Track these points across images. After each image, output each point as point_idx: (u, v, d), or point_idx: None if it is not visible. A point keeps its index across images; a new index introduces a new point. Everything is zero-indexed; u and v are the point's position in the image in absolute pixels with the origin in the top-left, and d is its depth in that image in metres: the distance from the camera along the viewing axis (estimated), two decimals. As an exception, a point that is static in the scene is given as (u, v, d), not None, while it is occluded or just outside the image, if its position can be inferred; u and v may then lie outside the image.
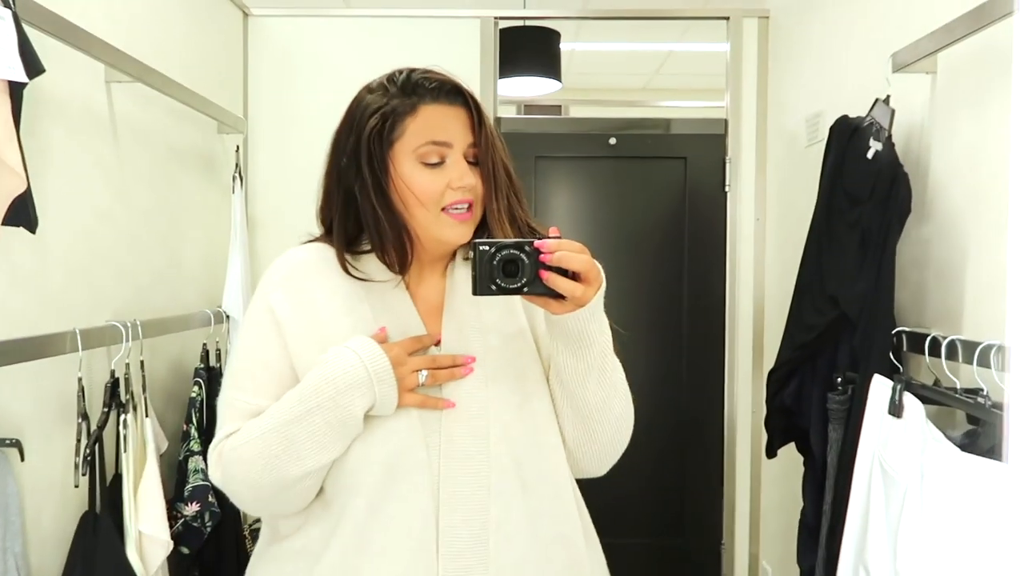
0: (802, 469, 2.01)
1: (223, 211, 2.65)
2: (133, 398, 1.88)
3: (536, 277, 0.98)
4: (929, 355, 1.57)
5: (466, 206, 1.09)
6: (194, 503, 2.11)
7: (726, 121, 2.95)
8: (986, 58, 1.56)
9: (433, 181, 1.07)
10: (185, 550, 2.11)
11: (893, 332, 1.69)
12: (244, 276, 2.54)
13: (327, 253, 1.15)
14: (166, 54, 2.23)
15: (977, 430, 1.44)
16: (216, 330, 2.41)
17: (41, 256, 1.68)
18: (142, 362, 1.97)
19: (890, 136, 1.72)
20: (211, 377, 2.28)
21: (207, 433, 2.18)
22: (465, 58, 2.89)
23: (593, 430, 1.12)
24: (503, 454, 1.08)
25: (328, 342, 1.07)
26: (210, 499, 2.10)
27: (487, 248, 0.98)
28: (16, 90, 1.38)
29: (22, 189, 1.39)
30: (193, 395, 2.23)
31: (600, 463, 1.17)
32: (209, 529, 2.13)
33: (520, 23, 3.27)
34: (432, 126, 1.07)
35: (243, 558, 2.20)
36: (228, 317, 2.48)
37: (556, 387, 1.12)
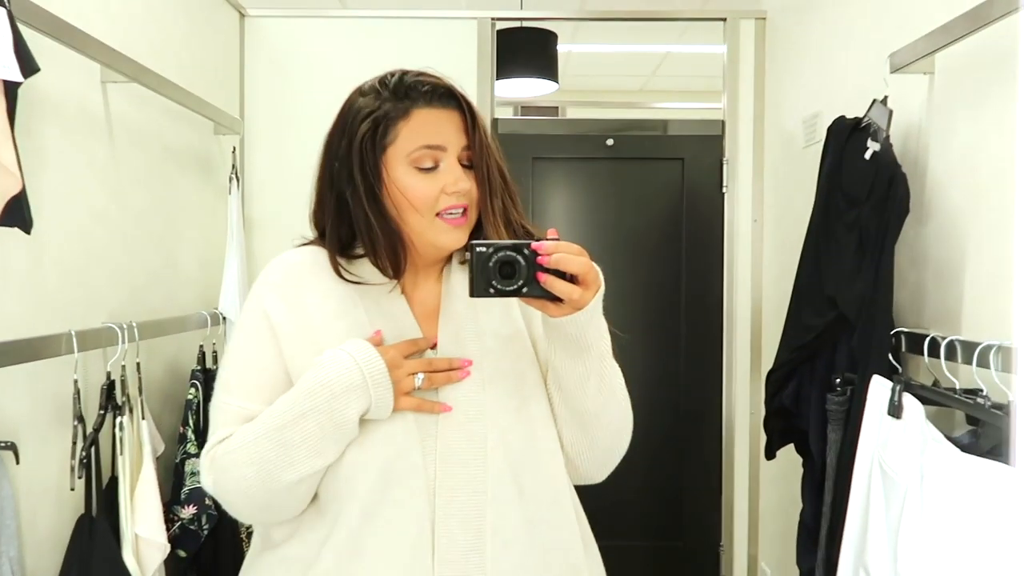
0: (800, 470, 2.01)
1: (219, 212, 2.64)
2: (129, 400, 1.87)
3: (534, 279, 0.97)
4: (928, 356, 1.56)
5: (461, 211, 1.08)
6: (191, 506, 2.10)
7: (723, 122, 2.95)
8: (984, 59, 1.56)
9: (427, 186, 1.06)
10: (182, 553, 2.10)
11: (892, 333, 1.68)
12: (241, 278, 2.53)
13: (321, 256, 1.13)
14: (162, 54, 2.23)
15: (977, 431, 1.44)
16: (213, 332, 2.40)
17: (36, 257, 1.67)
18: (138, 364, 1.96)
19: (888, 136, 1.72)
20: (208, 379, 2.27)
21: (204, 435, 2.17)
22: (462, 59, 2.89)
23: (592, 435, 1.11)
24: (500, 459, 1.06)
25: (323, 346, 1.06)
26: (207, 502, 2.09)
27: (484, 250, 0.97)
28: (11, 89, 1.37)
29: (17, 189, 1.38)
30: (190, 397, 2.22)
31: (599, 469, 1.15)
32: (206, 532, 2.12)
33: (517, 24, 3.26)
34: (425, 130, 1.06)
35: (240, 561, 2.18)
36: (225, 319, 2.47)
37: (554, 391, 1.10)
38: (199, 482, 2.05)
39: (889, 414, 1.48)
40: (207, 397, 2.21)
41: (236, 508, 1.10)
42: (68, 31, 1.65)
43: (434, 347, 1.11)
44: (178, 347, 2.36)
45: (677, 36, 4.76)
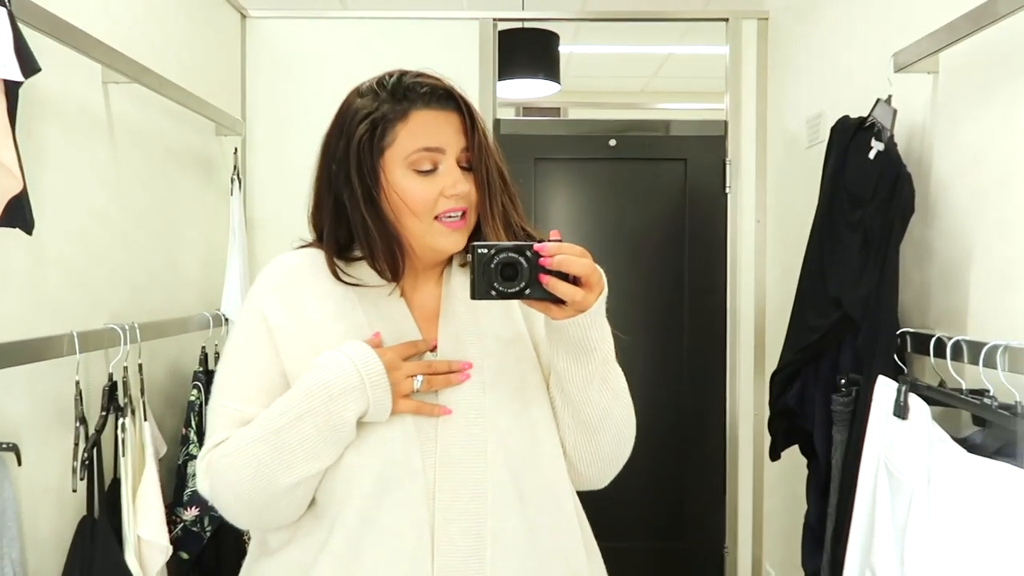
0: (804, 471, 2.00)
1: (221, 213, 2.64)
2: (131, 402, 1.87)
3: (536, 281, 0.95)
4: (934, 356, 1.55)
5: (459, 214, 1.07)
6: (193, 507, 2.09)
7: (726, 123, 2.95)
8: (989, 57, 1.55)
9: (426, 189, 1.04)
10: (184, 555, 2.09)
11: (897, 333, 1.68)
12: (243, 279, 2.52)
13: (320, 259, 1.12)
14: (163, 55, 2.22)
15: (983, 431, 1.43)
16: (215, 333, 2.39)
17: (37, 258, 1.67)
18: (140, 365, 1.96)
19: (892, 136, 1.72)
20: (210, 380, 2.26)
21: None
22: (464, 60, 2.89)
23: (595, 440, 1.09)
24: (500, 463, 1.05)
25: (320, 348, 1.04)
26: (209, 504, 2.08)
27: (486, 251, 0.96)
28: (12, 89, 1.36)
29: (18, 189, 1.37)
30: (192, 398, 2.21)
31: (601, 474, 1.14)
32: (209, 534, 2.12)
33: (519, 24, 3.26)
34: (424, 132, 1.05)
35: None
36: (227, 320, 2.47)
37: (556, 395, 1.09)
38: (201, 484, 2.07)
39: (895, 415, 1.48)
40: (209, 398, 2.21)
41: (233, 513, 1.08)
42: (69, 31, 1.65)
43: (434, 350, 1.10)
44: (180, 348, 2.35)
45: (679, 37, 4.76)
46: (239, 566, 1.18)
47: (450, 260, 1.15)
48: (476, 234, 1.10)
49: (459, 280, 1.13)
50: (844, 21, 2.26)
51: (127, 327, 1.85)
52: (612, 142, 2.98)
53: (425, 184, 1.05)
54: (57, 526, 1.72)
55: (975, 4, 1.45)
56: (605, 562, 1.20)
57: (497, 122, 2.95)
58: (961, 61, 1.64)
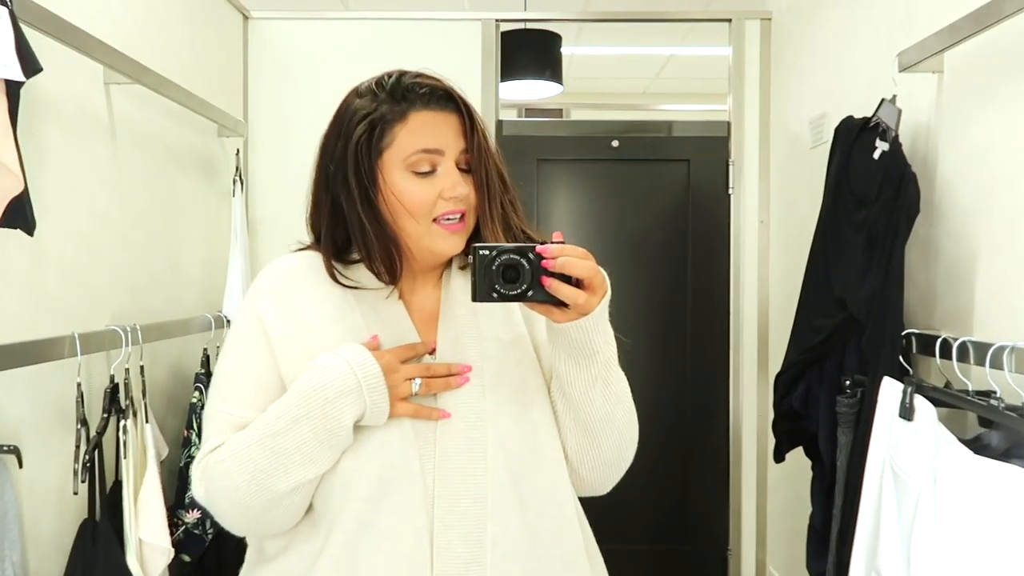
0: (808, 472, 1.99)
1: (223, 214, 2.63)
2: (133, 403, 1.86)
3: (538, 284, 0.94)
4: (940, 357, 1.55)
5: (458, 216, 1.05)
6: (195, 510, 2.08)
7: (729, 123, 2.94)
8: (994, 56, 1.55)
9: (424, 191, 1.03)
10: (186, 558, 2.09)
11: (902, 334, 1.67)
12: (245, 280, 2.52)
13: (317, 261, 1.10)
14: (165, 56, 2.22)
15: (990, 433, 1.42)
16: (217, 335, 2.38)
17: (37, 258, 1.66)
18: (142, 367, 1.95)
19: (897, 136, 1.71)
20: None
21: (207, 439, 2.16)
22: (466, 61, 2.88)
23: (597, 444, 1.08)
24: (501, 467, 1.03)
25: (317, 351, 1.03)
26: (210, 506, 2.08)
27: (487, 253, 0.94)
28: (13, 89, 1.36)
29: (19, 190, 1.37)
30: (194, 400, 2.21)
31: (604, 479, 1.12)
32: (211, 536, 2.11)
33: (521, 26, 3.25)
34: (423, 133, 1.03)
35: (244, 565, 2.17)
36: (228, 322, 2.46)
37: (558, 399, 1.07)
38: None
39: (900, 416, 1.47)
40: (209, 401, 2.20)
41: (229, 519, 1.06)
42: (71, 32, 1.64)
43: (433, 352, 1.08)
44: (182, 350, 2.35)
45: (681, 38, 4.75)
46: (241, 568, 1.17)
47: (449, 263, 1.14)
48: (475, 237, 1.08)
49: (459, 283, 1.12)
50: (847, 21, 2.25)
51: (128, 328, 1.84)
52: (615, 143, 2.98)
53: (423, 186, 1.03)
54: (58, 528, 1.71)
55: (980, 3, 1.45)
56: (607, 564, 1.18)
57: (500, 123, 2.94)
58: (966, 60, 1.63)
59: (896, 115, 1.72)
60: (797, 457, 2.10)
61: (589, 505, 1.16)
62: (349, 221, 1.06)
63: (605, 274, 0.99)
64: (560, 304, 0.95)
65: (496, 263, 0.94)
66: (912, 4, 1.88)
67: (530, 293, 0.94)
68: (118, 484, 1.78)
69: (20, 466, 1.52)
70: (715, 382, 2.97)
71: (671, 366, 2.98)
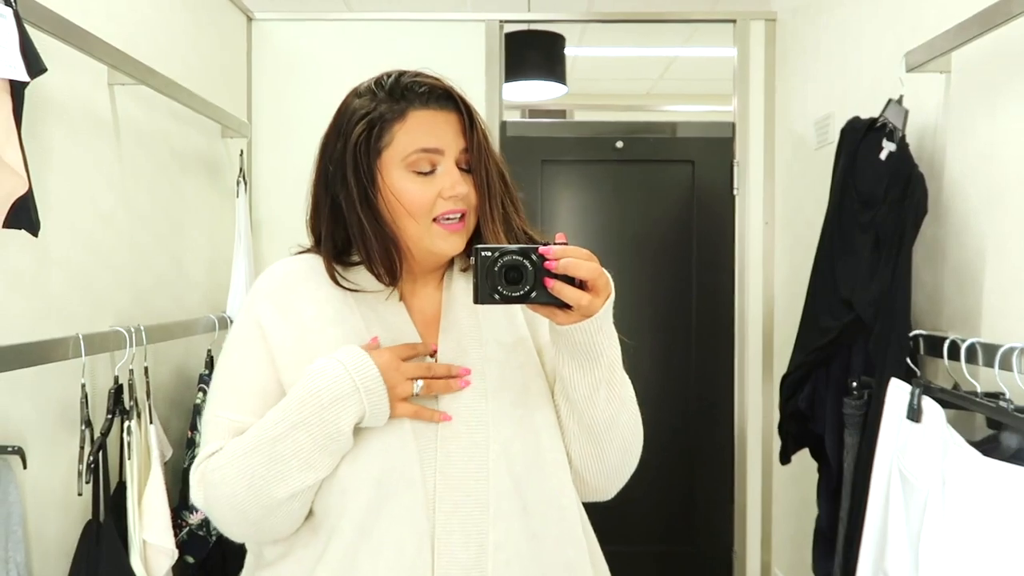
0: (814, 474, 1.98)
1: (227, 215, 2.63)
2: (137, 404, 1.86)
3: (541, 285, 0.92)
4: (948, 359, 1.54)
5: (458, 216, 1.04)
6: (199, 511, 2.08)
7: (734, 124, 2.94)
8: (1002, 56, 1.54)
9: (423, 191, 1.02)
10: (190, 559, 2.08)
11: (910, 335, 1.66)
12: (249, 281, 2.51)
13: (318, 263, 1.10)
14: (169, 57, 2.22)
15: (998, 434, 1.41)
16: (221, 336, 2.38)
17: (42, 259, 1.66)
18: (146, 368, 1.95)
19: (904, 136, 1.70)
20: (215, 383, 2.25)
21: (211, 440, 2.16)
22: (470, 62, 2.88)
23: (601, 448, 1.06)
24: (503, 472, 1.02)
25: (317, 354, 1.02)
26: (214, 507, 2.08)
27: (489, 254, 0.93)
28: (17, 89, 1.36)
29: (23, 190, 1.36)
30: (198, 401, 2.20)
31: (608, 484, 1.11)
32: (214, 538, 2.11)
33: (525, 26, 3.25)
34: (422, 133, 1.03)
35: (248, 567, 2.17)
36: (232, 323, 2.46)
37: (562, 403, 1.06)
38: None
39: (908, 418, 1.46)
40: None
41: (227, 526, 1.05)
42: (75, 32, 1.64)
43: (433, 354, 1.07)
44: (186, 351, 2.34)
45: (685, 39, 4.74)
46: (241, 572, 1.16)
47: (451, 264, 1.13)
48: (476, 238, 1.08)
49: (460, 284, 1.11)
50: (853, 21, 2.24)
51: (133, 329, 1.84)
52: (619, 144, 2.97)
53: (423, 186, 1.03)
54: (62, 530, 1.71)
55: (988, 3, 1.44)
56: (610, 566, 1.17)
57: (504, 124, 2.93)
58: (974, 60, 1.63)
59: (903, 115, 1.71)
60: (803, 459, 2.09)
61: (591, 506, 1.15)
62: (349, 221, 1.05)
63: (609, 275, 0.98)
64: (563, 306, 0.94)
65: (498, 264, 0.93)
66: (918, 4, 1.87)
67: (533, 295, 0.93)
68: (122, 485, 1.78)
69: (24, 467, 1.51)
70: (720, 384, 2.96)
71: (676, 368, 2.97)
